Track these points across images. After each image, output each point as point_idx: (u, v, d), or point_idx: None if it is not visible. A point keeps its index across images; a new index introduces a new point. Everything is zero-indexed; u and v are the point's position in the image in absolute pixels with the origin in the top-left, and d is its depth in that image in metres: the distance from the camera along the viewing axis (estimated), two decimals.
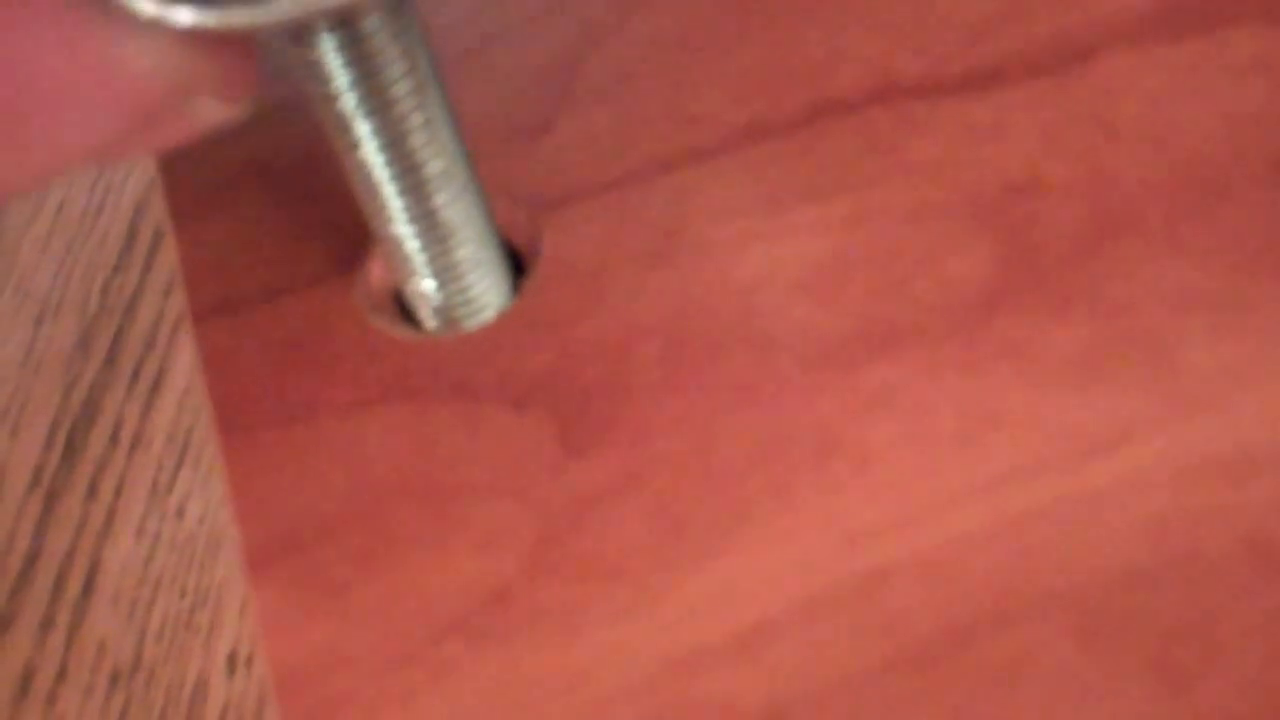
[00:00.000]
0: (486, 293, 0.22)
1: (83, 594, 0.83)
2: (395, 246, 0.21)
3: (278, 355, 0.22)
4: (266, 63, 0.18)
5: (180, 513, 0.87)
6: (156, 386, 0.88)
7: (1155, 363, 0.20)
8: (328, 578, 0.20)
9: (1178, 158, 0.22)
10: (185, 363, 0.94)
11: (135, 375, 0.90)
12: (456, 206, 0.21)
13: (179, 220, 0.24)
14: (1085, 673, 0.17)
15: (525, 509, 0.20)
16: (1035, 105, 0.23)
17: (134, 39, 0.16)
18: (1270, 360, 0.20)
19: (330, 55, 0.19)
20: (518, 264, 0.23)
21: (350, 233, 0.23)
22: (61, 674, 0.83)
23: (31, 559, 0.82)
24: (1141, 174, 0.22)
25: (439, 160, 0.21)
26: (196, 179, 0.25)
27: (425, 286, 0.22)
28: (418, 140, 0.20)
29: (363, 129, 0.20)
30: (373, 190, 0.21)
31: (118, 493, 0.87)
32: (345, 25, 0.19)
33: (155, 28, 0.17)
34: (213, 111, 0.18)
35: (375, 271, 0.23)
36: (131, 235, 0.87)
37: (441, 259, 0.22)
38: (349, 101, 0.20)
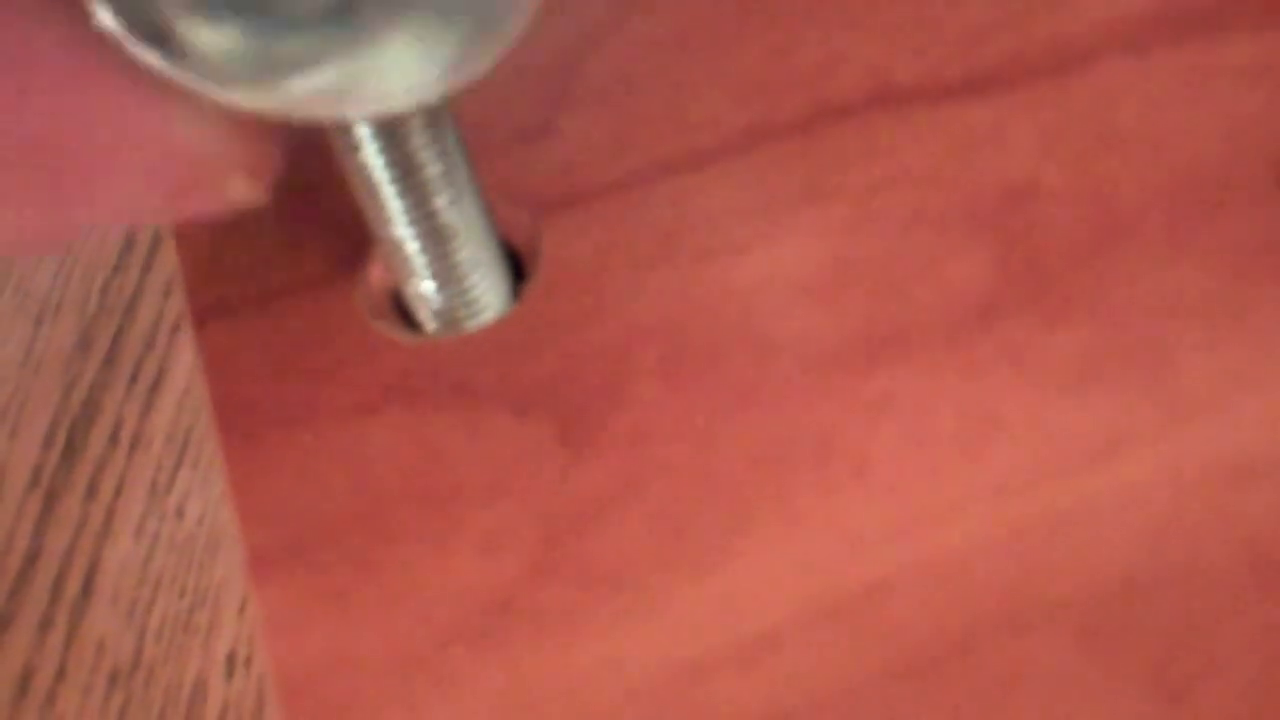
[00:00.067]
0: (486, 295, 0.22)
1: (82, 594, 0.83)
2: (395, 249, 0.21)
3: (278, 357, 0.22)
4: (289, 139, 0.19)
5: (180, 513, 0.87)
6: (156, 386, 0.88)
7: (1155, 368, 0.20)
8: (329, 581, 0.20)
9: (1177, 162, 0.22)
10: (185, 363, 0.94)
11: (135, 375, 0.89)
12: (457, 209, 0.21)
13: (180, 224, 0.24)
14: (1085, 679, 0.17)
15: (526, 512, 0.20)
16: (1034, 109, 0.23)
17: (181, 116, 0.17)
18: (1270, 366, 0.20)
19: None
20: (517, 266, 0.23)
21: (350, 235, 0.23)
22: (60, 674, 0.83)
23: (31, 559, 0.82)
24: (1141, 178, 0.22)
25: (439, 162, 0.21)
26: None
27: (425, 289, 0.22)
28: (418, 142, 0.20)
29: (362, 131, 0.20)
30: (372, 192, 0.21)
31: (117, 492, 0.87)
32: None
33: (207, 107, 0.17)
34: (243, 190, 0.18)
35: (375, 274, 0.23)
36: (131, 236, 0.87)
37: (441, 261, 0.22)
38: None
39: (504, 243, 0.23)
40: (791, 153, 0.24)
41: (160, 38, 0.16)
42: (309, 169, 0.24)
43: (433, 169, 0.21)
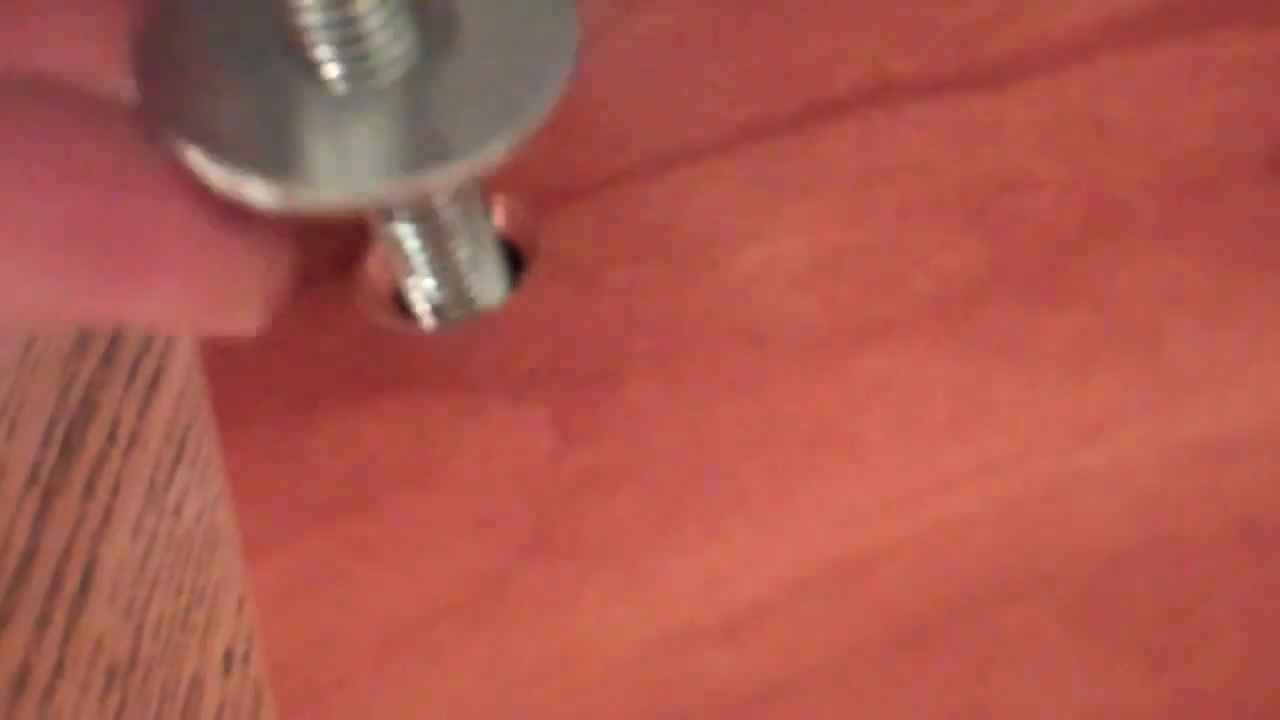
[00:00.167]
0: (485, 291, 0.22)
1: (80, 591, 0.83)
2: (394, 245, 0.22)
3: (276, 351, 0.22)
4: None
5: (177, 511, 0.87)
6: (153, 385, 0.88)
7: (1144, 353, 0.20)
8: (324, 565, 0.20)
9: (1169, 154, 0.23)
10: (182, 362, 0.94)
11: (132, 374, 0.90)
12: (455, 205, 0.21)
13: None
14: (1072, 653, 0.18)
15: (520, 496, 0.20)
16: (1029, 104, 0.24)
17: (230, 231, 0.18)
18: (1256, 349, 0.20)
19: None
20: (516, 260, 0.24)
21: (348, 231, 0.24)
22: (58, 670, 0.83)
23: (29, 556, 0.82)
24: (1133, 170, 0.22)
25: None
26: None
27: (425, 285, 0.22)
28: None
29: None
30: None
31: (115, 491, 0.87)
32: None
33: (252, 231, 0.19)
34: (257, 317, 0.19)
35: (373, 269, 0.23)
36: None
37: (440, 258, 0.22)
38: None
39: (502, 237, 0.23)
40: (788, 147, 0.24)
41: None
42: None
43: None
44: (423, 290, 0.22)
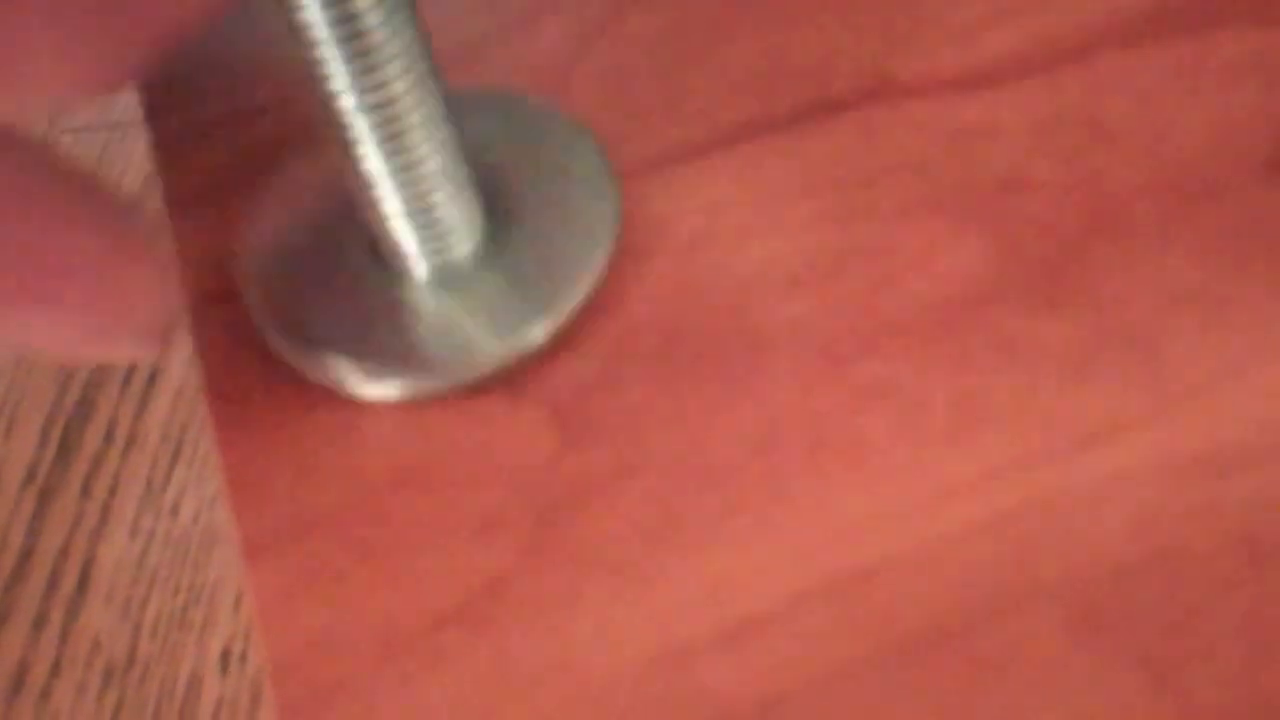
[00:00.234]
0: (457, 230, 0.22)
1: (77, 591, 0.83)
2: (371, 193, 0.22)
3: (270, 348, 0.23)
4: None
5: (174, 510, 0.87)
6: (151, 386, 0.88)
7: (1144, 358, 0.20)
8: (324, 566, 0.20)
9: (1168, 157, 0.22)
10: (179, 362, 0.94)
11: (129, 375, 0.90)
12: (436, 158, 0.21)
13: (176, 211, 0.24)
14: (1072, 665, 0.18)
15: (520, 499, 0.20)
16: (1027, 105, 0.23)
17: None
18: (1257, 356, 0.20)
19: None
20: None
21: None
22: (56, 670, 0.83)
23: (26, 556, 0.82)
24: (1132, 173, 0.22)
25: (420, 110, 0.21)
26: (194, 169, 0.25)
27: (400, 228, 0.22)
28: (398, 86, 0.20)
29: (349, 103, 0.20)
30: (352, 141, 0.21)
31: (112, 490, 0.87)
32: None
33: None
34: (138, 347, 0.19)
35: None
36: None
37: (418, 201, 0.22)
38: (331, 51, 0.20)
39: (475, 183, 0.23)
40: (787, 147, 0.24)
41: None
42: (304, 160, 0.24)
43: (414, 118, 0.21)
44: (399, 234, 0.22)
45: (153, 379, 0.86)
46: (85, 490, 0.85)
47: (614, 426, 0.21)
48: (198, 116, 0.26)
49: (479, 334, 0.21)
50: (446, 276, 0.22)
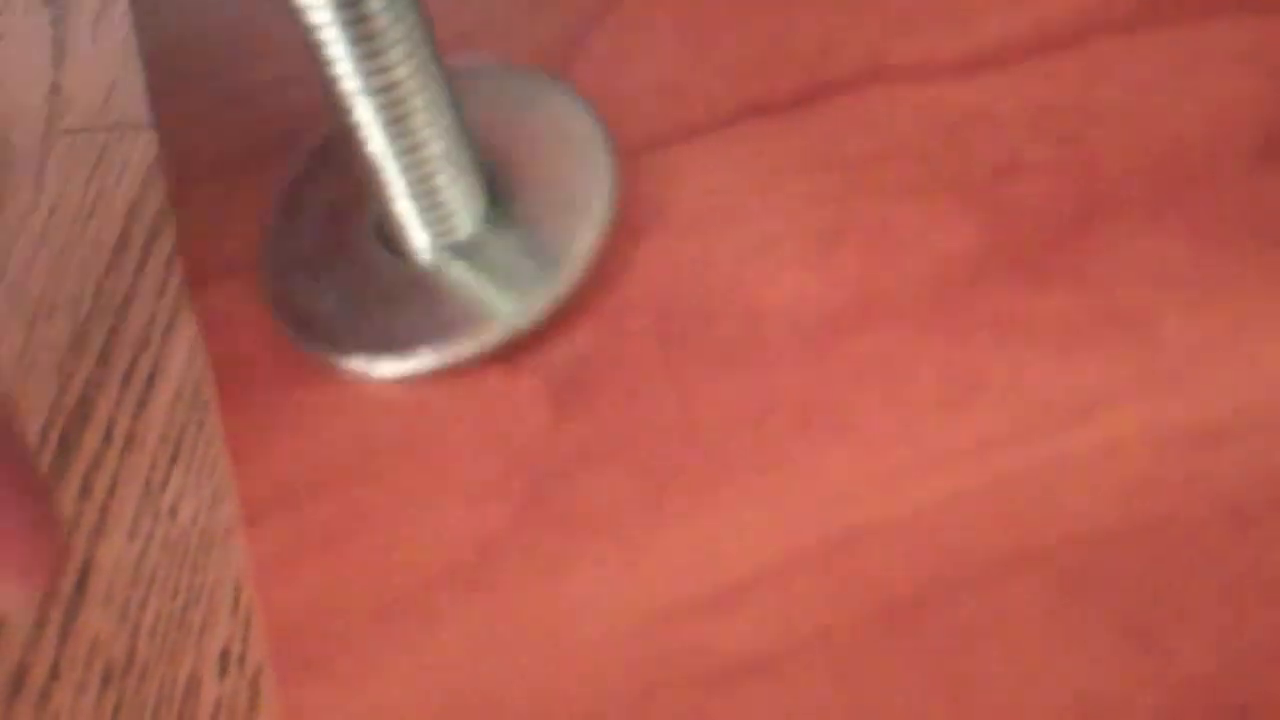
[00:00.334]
0: (459, 212, 0.23)
1: (75, 592, 0.83)
2: (375, 176, 0.22)
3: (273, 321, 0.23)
4: None
5: (173, 512, 0.87)
6: (150, 386, 0.88)
7: (1134, 335, 0.21)
8: (322, 530, 0.20)
9: (1161, 139, 0.23)
10: (178, 363, 0.93)
11: (128, 375, 0.89)
12: (439, 142, 0.21)
13: (180, 188, 0.25)
14: (1058, 630, 0.18)
15: (515, 467, 0.20)
16: (1023, 89, 0.24)
17: None
18: (1245, 334, 0.20)
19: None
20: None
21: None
22: (54, 672, 0.83)
23: None
24: (1125, 154, 0.23)
25: (423, 95, 0.21)
26: (197, 148, 0.25)
27: (404, 208, 0.22)
28: (401, 71, 0.21)
29: (354, 85, 0.20)
30: (356, 125, 0.21)
31: (111, 492, 0.87)
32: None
33: None
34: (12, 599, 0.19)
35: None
36: (124, 237, 0.87)
37: (421, 184, 0.22)
38: (334, 36, 0.20)
39: (478, 162, 0.23)
40: (786, 129, 0.24)
41: None
42: (305, 139, 0.24)
43: (418, 100, 0.21)
44: (403, 215, 0.22)
45: (152, 380, 0.86)
46: (84, 491, 0.85)
47: (608, 398, 0.21)
48: (202, 92, 0.26)
49: (479, 310, 0.22)
50: (448, 254, 0.23)
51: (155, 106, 0.26)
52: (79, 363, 0.94)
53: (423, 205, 0.22)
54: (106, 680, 0.97)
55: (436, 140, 0.21)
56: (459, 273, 0.22)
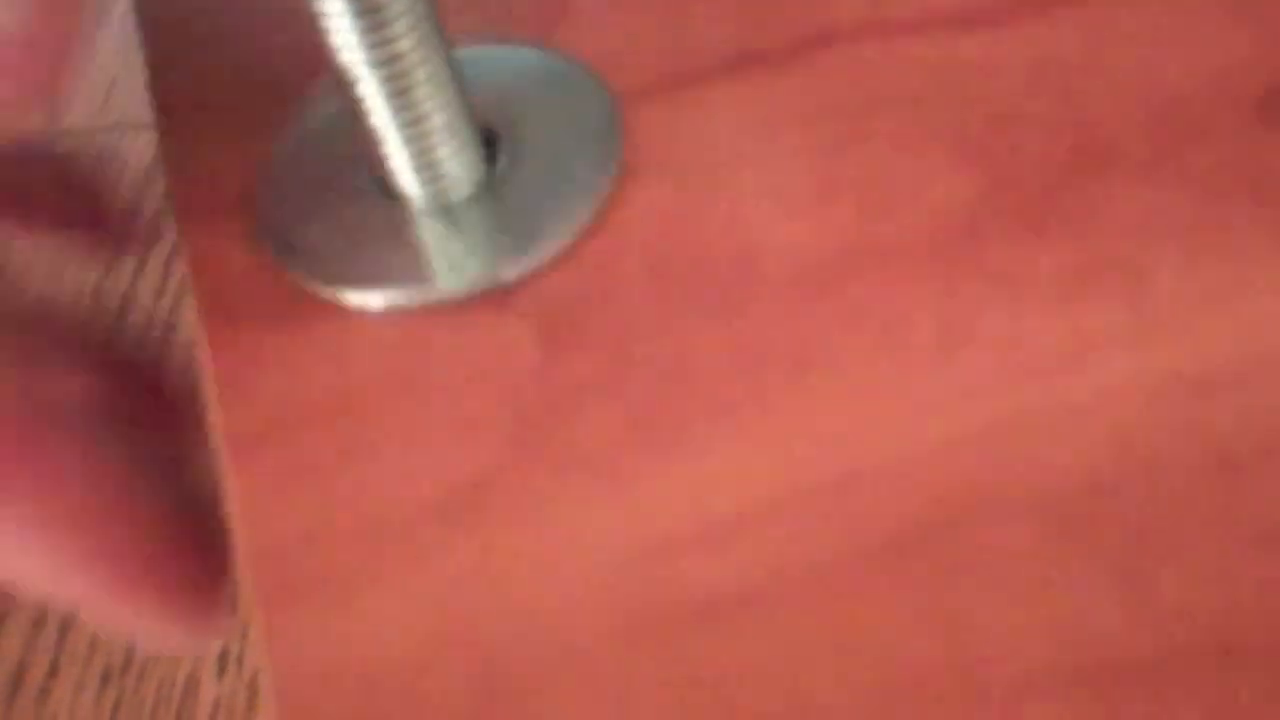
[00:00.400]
0: (461, 181, 0.23)
1: None
2: (378, 147, 0.22)
3: (264, 257, 0.23)
4: None
5: None
6: None
7: (1129, 286, 0.20)
8: (309, 462, 0.20)
9: (1160, 94, 0.23)
10: (177, 363, 0.94)
11: None
12: (441, 114, 0.22)
13: (167, 125, 0.25)
14: (1044, 567, 0.18)
15: (505, 403, 0.20)
16: (1022, 44, 0.24)
17: None
18: (1239, 286, 0.20)
19: None
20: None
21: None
22: (53, 671, 0.83)
23: None
24: (1124, 108, 0.23)
25: (425, 68, 0.21)
26: (185, 84, 0.25)
27: (406, 180, 0.22)
28: (403, 44, 0.21)
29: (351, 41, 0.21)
30: (359, 97, 0.21)
31: None
32: None
33: None
34: None
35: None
36: None
37: (422, 156, 0.22)
38: (337, 8, 0.20)
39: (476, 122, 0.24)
40: (782, 79, 0.24)
41: None
42: (296, 74, 0.24)
43: (420, 73, 0.21)
44: (405, 184, 0.22)
45: None
46: None
47: (600, 338, 0.21)
48: (200, 35, 0.26)
49: (473, 249, 0.22)
50: (447, 204, 0.23)
51: (148, 43, 0.26)
52: None
53: (424, 178, 0.22)
54: (106, 679, 0.96)
55: (439, 112, 0.22)
56: (456, 215, 0.22)
